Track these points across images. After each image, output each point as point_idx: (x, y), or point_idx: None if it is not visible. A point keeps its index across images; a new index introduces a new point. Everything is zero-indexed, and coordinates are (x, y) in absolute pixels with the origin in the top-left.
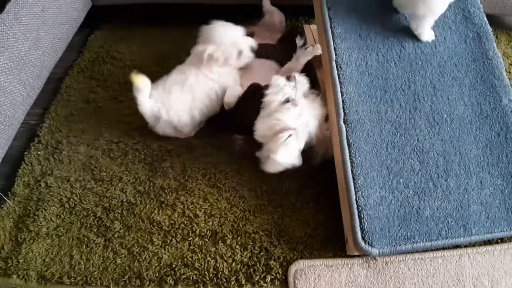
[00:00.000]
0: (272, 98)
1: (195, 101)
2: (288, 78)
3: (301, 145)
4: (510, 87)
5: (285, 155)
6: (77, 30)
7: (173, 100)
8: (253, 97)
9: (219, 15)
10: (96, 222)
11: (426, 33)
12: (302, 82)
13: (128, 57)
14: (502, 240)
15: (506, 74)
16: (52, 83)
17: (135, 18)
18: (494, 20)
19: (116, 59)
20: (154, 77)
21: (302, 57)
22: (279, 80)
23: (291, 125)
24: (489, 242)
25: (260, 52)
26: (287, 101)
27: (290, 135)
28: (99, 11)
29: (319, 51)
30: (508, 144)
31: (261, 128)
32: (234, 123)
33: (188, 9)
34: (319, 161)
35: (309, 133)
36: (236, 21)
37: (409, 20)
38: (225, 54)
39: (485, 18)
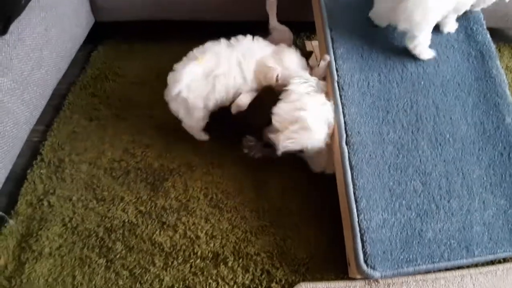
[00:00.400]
0: (296, 87)
1: (213, 93)
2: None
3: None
4: None
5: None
6: (80, 45)
7: (196, 83)
8: (267, 98)
9: (221, 31)
10: (98, 243)
11: (425, 52)
12: (322, 84)
13: (130, 73)
14: (504, 260)
15: (509, 89)
16: (55, 99)
17: (138, 33)
18: (497, 34)
19: (118, 75)
20: (156, 93)
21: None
22: (305, 74)
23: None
24: (491, 262)
25: None
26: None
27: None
28: (102, 26)
29: (328, 59)
30: None
31: (282, 112)
32: (246, 123)
33: (191, 24)
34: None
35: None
36: None
37: (406, 41)
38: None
39: (488, 36)
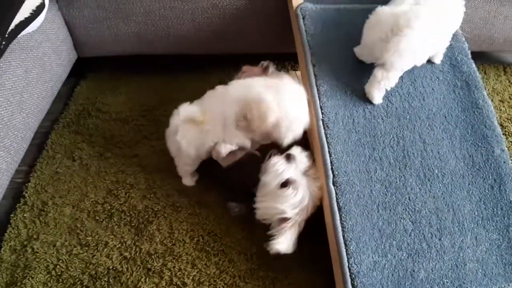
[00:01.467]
0: (270, 180)
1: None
2: (288, 158)
3: (300, 229)
4: (502, 136)
5: (284, 243)
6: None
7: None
8: (250, 166)
9: (205, 64)
10: None
11: (380, 96)
12: (302, 160)
13: (113, 109)
14: None
15: (497, 112)
16: (37, 138)
17: (122, 67)
18: (482, 56)
19: (101, 111)
20: (140, 130)
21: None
22: (278, 163)
23: (290, 214)
24: None
25: None
26: (285, 183)
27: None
28: (85, 61)
29: None
30: (503, 196)
31: (261, 209)
32: (230, 188)
33: (176, 58)
34: None
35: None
36: (222, 70)
37: (374, 76)
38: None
39: (473, 65)
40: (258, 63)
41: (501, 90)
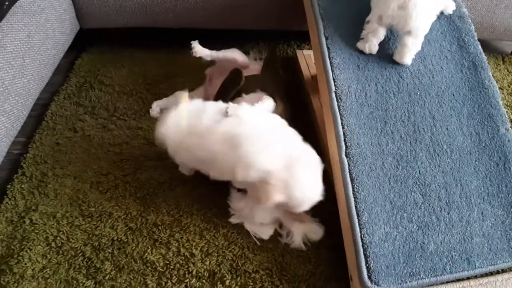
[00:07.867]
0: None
1: None
2: None
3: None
4: (506, 116)
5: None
6: (64, 53)
7: None
8: None
9: (212, 39)
10: (85, 263)
11: (410, 59)
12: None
13: (116, 82)
14: (503, 270)
15: None
16: (37, 109)
17: (124, 40)
18: (482, 45)
19: (104, 84)
20: (144, 104)
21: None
22: None
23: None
24: (490, 273)
25: (248, 86)
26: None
27: None
28: (87, 33)
29: None
30: (507, 174)
31: None
32: None
33: (180, 31)
34: None
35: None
36: (229, 45)
37: (403, 43)
38: None
39: (480, 47)
40: (264, 41)
41: (500, 78)
